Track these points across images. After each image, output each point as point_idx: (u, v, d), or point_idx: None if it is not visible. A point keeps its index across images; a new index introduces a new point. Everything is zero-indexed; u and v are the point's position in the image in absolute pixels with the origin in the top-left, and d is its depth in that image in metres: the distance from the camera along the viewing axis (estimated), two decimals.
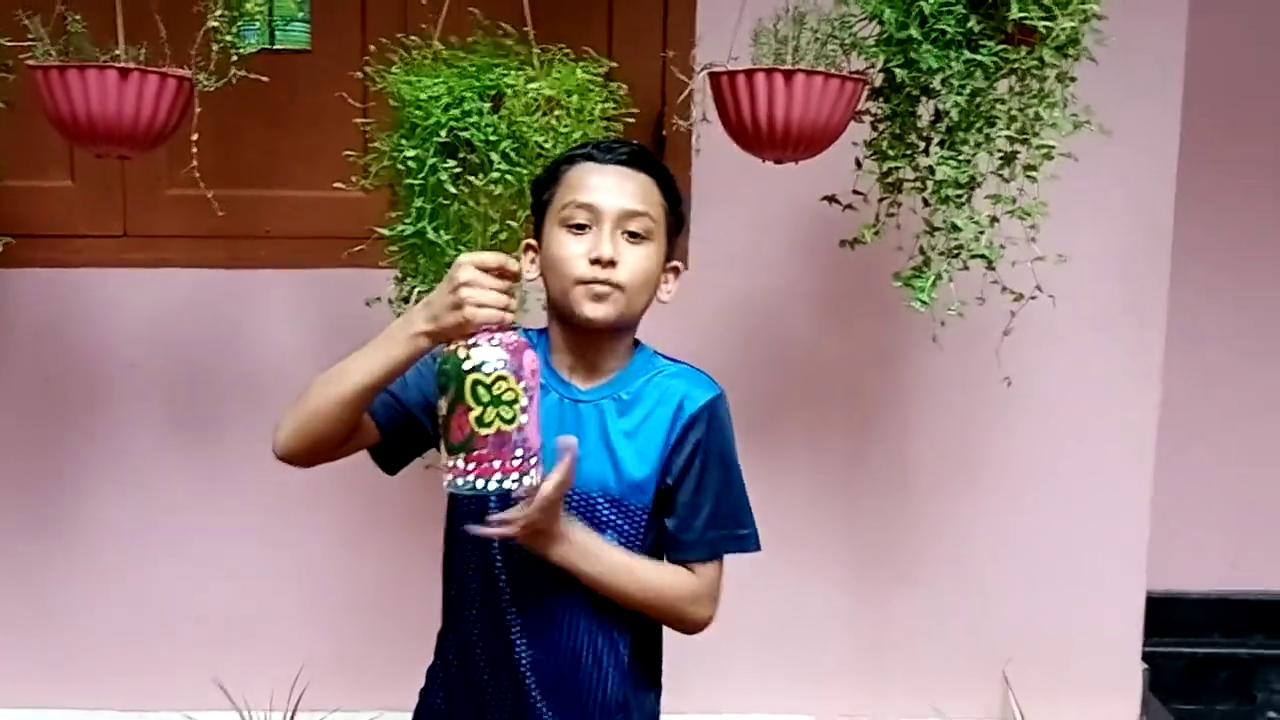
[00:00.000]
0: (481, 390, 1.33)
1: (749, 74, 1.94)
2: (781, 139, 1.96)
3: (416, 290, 1.98)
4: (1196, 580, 3.27)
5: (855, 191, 2.16)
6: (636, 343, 1.62)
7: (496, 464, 1.35)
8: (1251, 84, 3.22)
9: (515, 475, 1.36)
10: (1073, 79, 2.07)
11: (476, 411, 1.33)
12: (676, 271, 1.61)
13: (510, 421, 1.34)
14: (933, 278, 2.05)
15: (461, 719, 1.61)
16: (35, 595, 2.63)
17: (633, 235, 1.52)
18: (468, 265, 1.36)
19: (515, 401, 1.34)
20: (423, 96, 1.88)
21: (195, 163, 2.01)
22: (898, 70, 2.01)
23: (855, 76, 2.00)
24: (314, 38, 2.13)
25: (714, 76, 2.04)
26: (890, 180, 2.12)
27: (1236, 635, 3.31)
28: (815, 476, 2.71)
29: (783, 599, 2.72)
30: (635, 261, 1.52)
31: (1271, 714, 3.23)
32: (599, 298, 1.50)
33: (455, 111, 1.89)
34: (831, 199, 2.19)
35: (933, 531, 2.73)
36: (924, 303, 2.04)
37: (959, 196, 2.06)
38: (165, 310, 2.57)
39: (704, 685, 2.70)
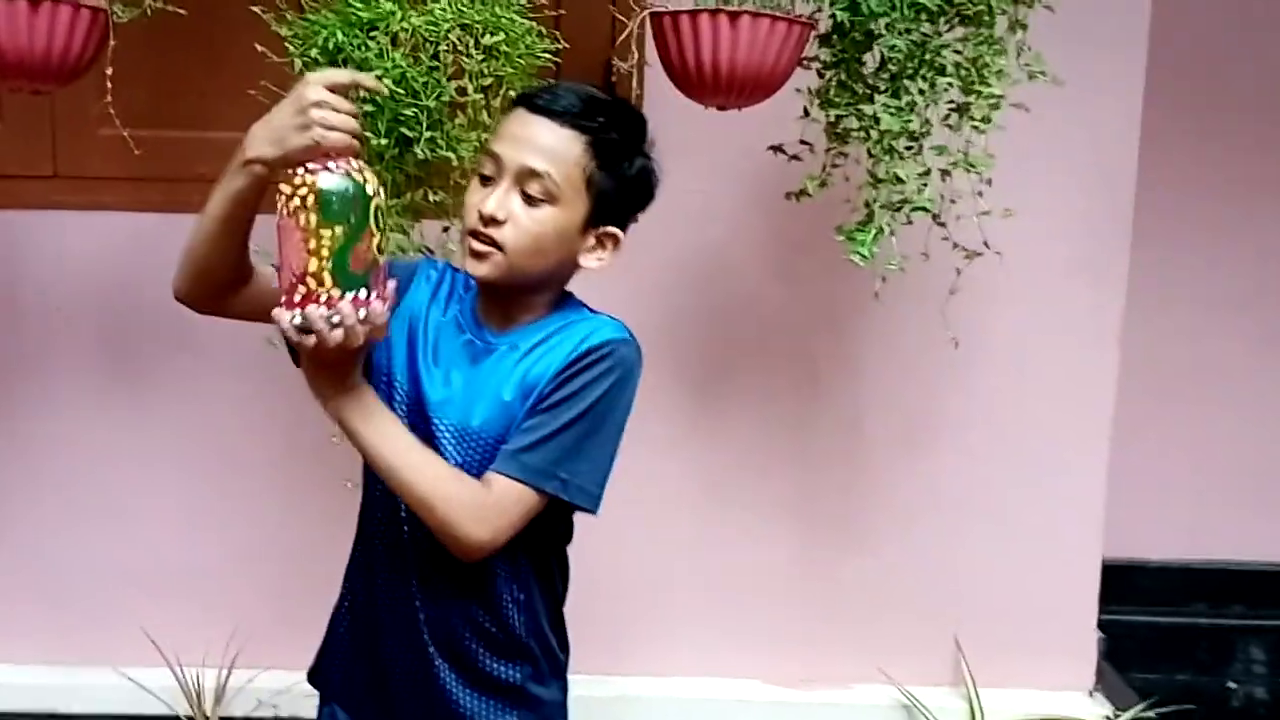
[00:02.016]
0: (381, 216, 1.29)
1: (693, 15, 1.87)
2: (726, 84, 1.90)
3: None
4: (1156, 548, 3.22)
5: (801, 141, 2.10)
6: (568, 295, 1.55)
7: (375, 293, 1.30)
8: (1219, 31, 3.14)
9: (387, 304, 1.32)
10: (1024, 26, 2.00)
11: (379, 238, 1.28)
12: (611, 240, 1.48)
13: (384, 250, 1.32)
14: (874, 231, 1.99)
15: (362, 670, 1.57)
16: None
17: (528, 197, 1.42)
18: (316, 84, 1.29)
19: (385, 228, 1.31)
20: (312, 52, 1.81)
21: (109, 99, 1.94)
22: (840, 14, 1.94)
23: (802, 20, 1.93)
24: None
25: (655, 18, 1.97)
26: (837, 130, 2.05)
27: (1196, 604, 3.27)
28: (762, 435, 2.65)
29: (729, 561, 2.68)
30: (526, 224, 1.42)
31: (1230, 684, 3.20)
32: (479, 255, 1.44)
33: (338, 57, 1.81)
34: (778, 149, 2.13)
35: (883, 493, 2.68)
36: (864, 256, 1.98)
37: (906, 148, 2.01)
38: (96, 254, 2.51)
39: (648, 648, 2.68)
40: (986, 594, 2.71)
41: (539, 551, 1.52)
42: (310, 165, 1.28)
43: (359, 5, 1.84)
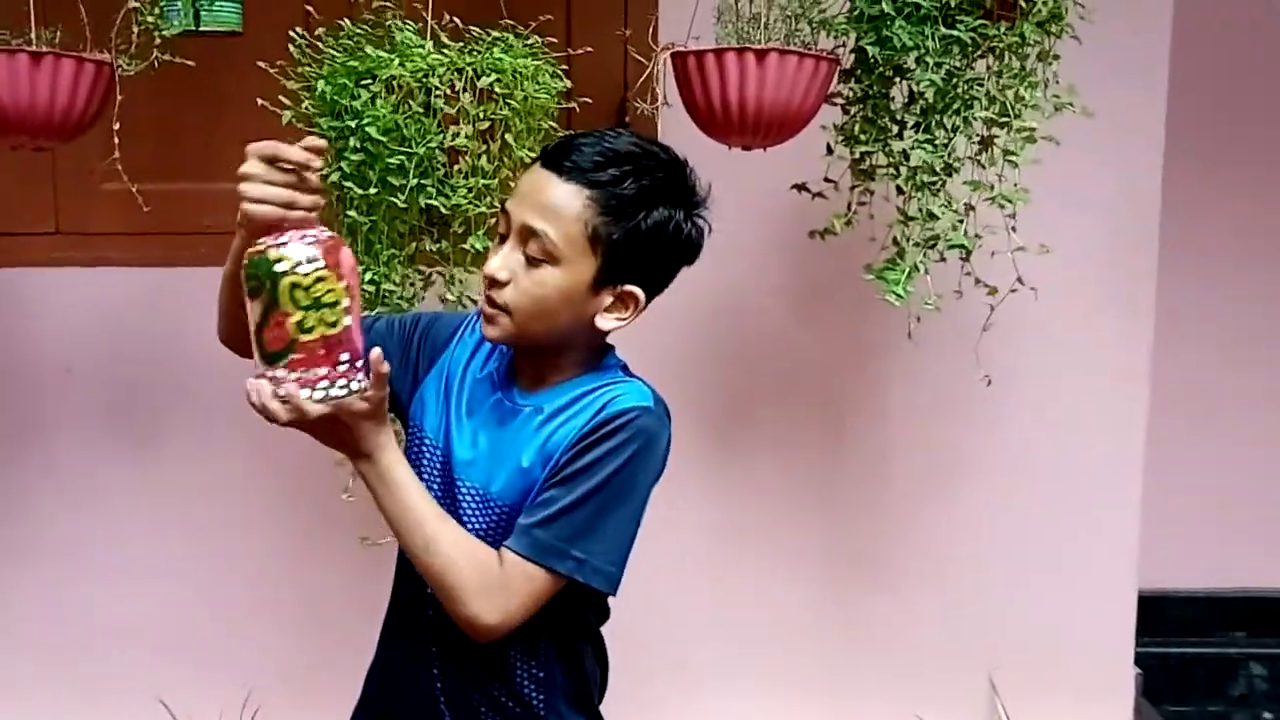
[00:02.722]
0: (300, 293, 1.21)
1: (718, 54, 1.83)
2: (752, 124, 1.85)
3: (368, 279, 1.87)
4: (1184, 578, 3.17)
5: (826, 179, 2.06)
6: (605, 354, 1.47)
7: (323, 370, 1.23)
8: (1242, 63, 3.11)
9: (343, 381, 1.24)
10: (1055, 57, 1.96)
11: (297, 317, 1.21)
12: (630, 300, 1.38)
13: (334, 325, 1.23)
14: (907, 269, 1.94)
15: None
16: None
17: (528, 257, 1.34)
18: (251, 155, 1.23)
19: (337, 304, 1.23)
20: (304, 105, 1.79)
21: (117, 154, 1.89)
22: (870, 48, 1.90)
23: (828, 56, 1.88)
24: (247, 18, 1.98)
25: (678, 57, 1.92)
26: (862, 167, 2.01)
27: (1226, 633, 3.21)
28: (789, 475, 2.59)
29: (755, 609, 2.61)
30: (526, 285, 1.35)
31: (1266, 714, 3.13)
32: (487, 318, 1.38)
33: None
34: (801, 187, 2.08)
35: (913, 532, 2.62)
36: (899, 296, 1.92)
37: (934, 183, 1.96)
38: (101, 311, 2.44)
39: (674, 690, 2.61)
40: (1021, 634, 2.65)
41: (564, 632, 1.45)
42: (265, 238, 1.23)
43: (345, 55, 1.81)
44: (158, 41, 1.84)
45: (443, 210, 1.82)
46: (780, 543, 2.60)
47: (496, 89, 1.80)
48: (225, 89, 2.29)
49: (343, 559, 2.42)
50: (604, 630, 1.52)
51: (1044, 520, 2.62)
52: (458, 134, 1.80)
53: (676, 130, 2.03)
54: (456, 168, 1.83)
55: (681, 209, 1.38)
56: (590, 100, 2.01)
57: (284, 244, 1.21)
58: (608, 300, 1.37)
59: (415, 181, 1.81)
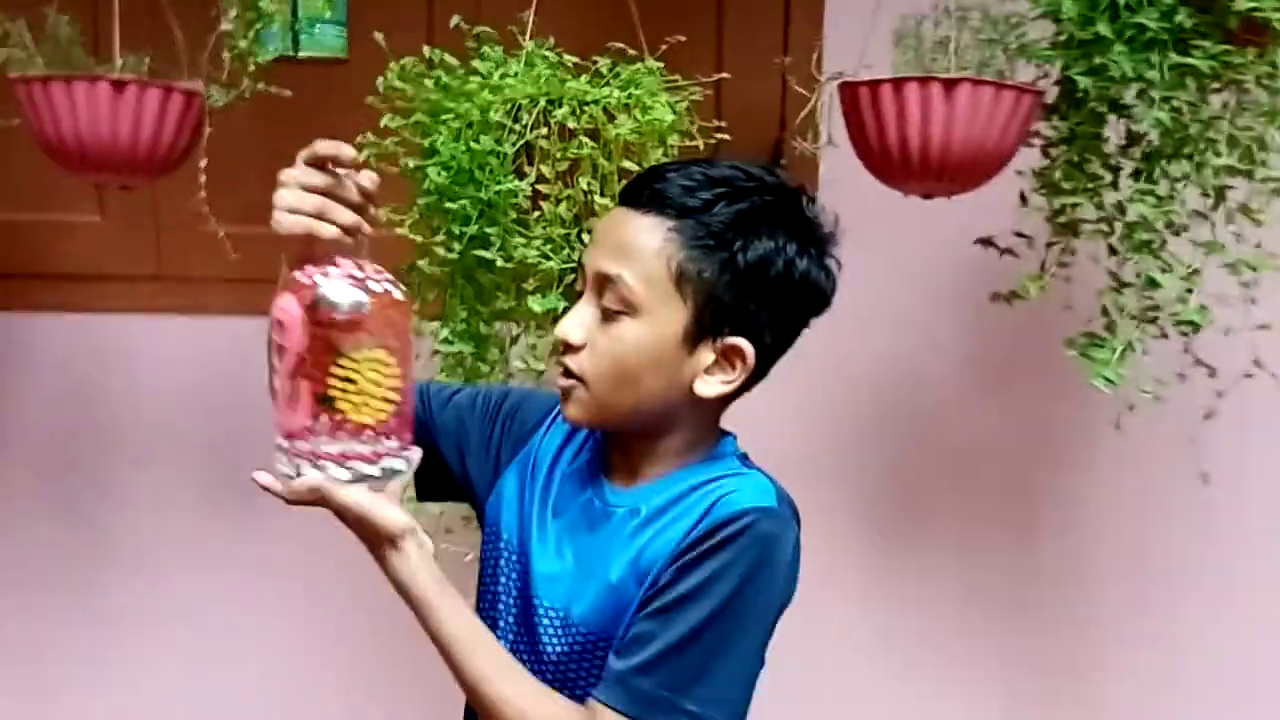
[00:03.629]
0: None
1: (897, 84, 1.54)
2: (937, 167, 1.56)
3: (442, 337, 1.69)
4: None
5: (1018, 234, 1.77)
6: (717, 441, 1.19)
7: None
8: None
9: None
10: None
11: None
12: (736, 356, 1.12)
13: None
14: (1120, 348, 1.62)
15: None
16: (44, 683, 2.31)
17: (604, 310, 1.12)
18: (300, 157, 1.07)
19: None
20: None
21: (204, 193, 1.70)
22: (1080, 79, 1.59)
23: (1030, 88, 1.58)
24: (354, 44, 1.77)
25: (848, 89, 1.64)
26: (1063, 220, 1.71)
27: None
28: (967, 580, 2.30)
29: None
30: (602, 346, 1.12)
31: None
32: (564, 393, 1.15)
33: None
34: (987, 242, 1.79)
35: (1115, 651, 2.31)
36: (1109, 381, 1.59)
37: (1155, 242, 1.63)
38: (202, 362, 2.25)
39: None
40: None
41: None
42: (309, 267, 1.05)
43: (432, 88, 1.62)
44: (251, 69, 1.64)
45: (501, 263, 1.60)
46: (953, 656, 2.31)
47: (571, 123, 1.57)
48: (331, 123, 2.08)
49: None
50: None
51: (1272, 644, 2.29)
52: (526, 175, 1.58)
53: (843, 175, 1.78)
54: (535, 215, 1.60)
55: (795, 242, 1.12)
56: (729, 137, 1.74)
57: (324, 277, 1.01)
58: (707, 358, 1.12)
59: (475, 229, 1.59)
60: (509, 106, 1.57)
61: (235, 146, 1.78)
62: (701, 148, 1.71)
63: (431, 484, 1.32)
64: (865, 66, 1.66)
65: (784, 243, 1.11)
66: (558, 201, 1.59)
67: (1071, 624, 2.29)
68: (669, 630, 1.06)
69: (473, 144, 1.56)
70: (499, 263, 1.60)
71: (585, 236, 1.59)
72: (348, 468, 1.04)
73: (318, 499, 1.06)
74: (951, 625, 2.31)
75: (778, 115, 2.10)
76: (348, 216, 1.05)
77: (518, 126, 1.57)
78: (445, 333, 1.73)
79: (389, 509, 1.07)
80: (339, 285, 1.01)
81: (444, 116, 1.60)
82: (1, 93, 1.70)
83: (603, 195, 1.59)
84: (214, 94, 1.67)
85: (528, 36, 1.67)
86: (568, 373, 1.13)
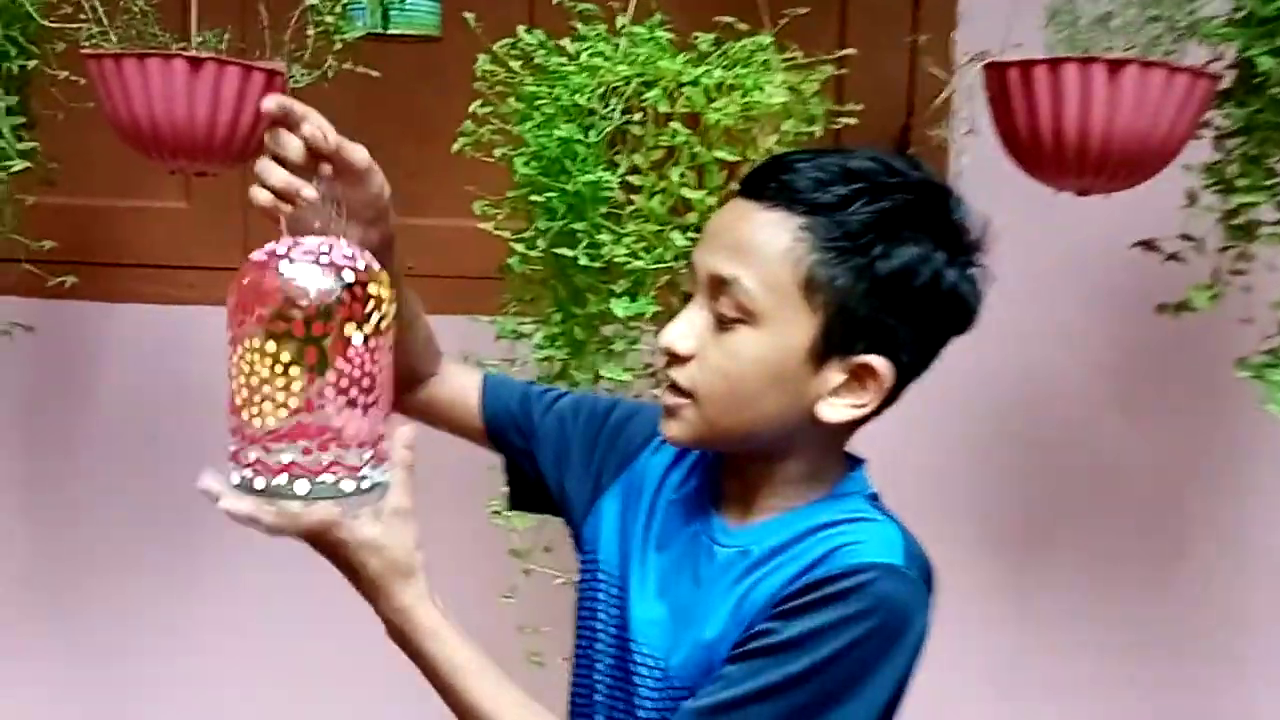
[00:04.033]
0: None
1: (1054, 65, 1.38)
2: (1097, 159, 1.40)
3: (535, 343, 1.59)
4: None
5: (1184, 236, 1.61)
6: (846, 475, 1.04)
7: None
8: None
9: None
10: None
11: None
12: (869, 376, 0.97)
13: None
14: None
15: None
16: (142, 692, 2.21)
17: (719, 318, 0.97)
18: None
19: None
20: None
21: None
22: (1262, 60, 1.43)
23: (1206, 72, 1.41)
24: (450, 20, 1.65)
25: (996, 70, 1.48)
26: (1239, 222, 1.55)
27: None
28: (1107, 617, 2.12)
29: None
30: (714, 359, 0.97)
31: None
32: (667, 410, 1.01)
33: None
34: (1149, 245, 1.63)
35: (1266, 704, 2.11)
36: None
37: None
38: None
39: None
40: None
41: None
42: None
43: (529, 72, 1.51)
44: (337, 47, 1.52)
45: (585, 262, 1.47)
46: (1095, 707, 2.11)
47: (663, 107, 1.43)
48: (422, 106, 1.98)
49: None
50: None
51: None
52: (614, 166, 1.45)
53: (976, 165, 1.61)
54: (629, 209, 1.47)
55: (943, 249, 0.97)
56: (854, 120, 1.57)
57: (291, 262, 0.88)
58: (836, 378, 0.97)
59: (560, 225, 1.47)
60: (600, 90, 1.45)
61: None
62: (819, 134, 1.55)
63: (526, 493, 1.23)
64: (1012, 46, 1.49)
65: (930, 249, 0.96)
66: (651, 194, 1.45)
67: (1226, 668, 2.11)
68: (754, 678, 0.92)
69: (557, 131, 1.45)
70: (581, 260, 1.47)
71: (678, 235, 1.46)
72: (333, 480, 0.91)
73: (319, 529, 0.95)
74: (1085, 669, 2.14)
75: (904, 99, 1.93)
76: (277, 176, 0.94)
77: (605, 110, 1.45)
78: (539, 338, 1.60)
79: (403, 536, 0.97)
80: (314, 270, 0.88)
81: (537, 102, 1.48)
82: (79, 71, 1.62)
83: (699, 187, 1.45)
84: (296, 74, 1.56)
85: (629, 12, 1.53)
86: (674, 387, 1.00)
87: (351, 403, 0.90)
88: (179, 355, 2.18)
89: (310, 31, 1.52)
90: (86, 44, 1.54)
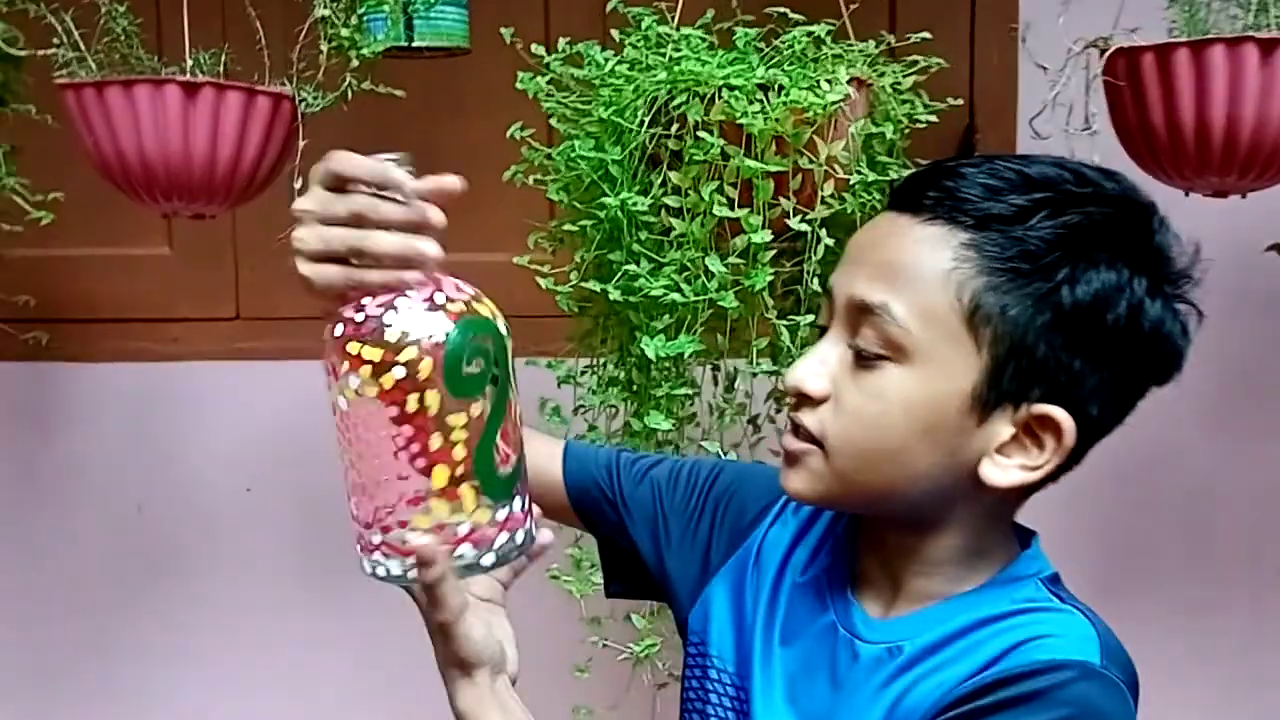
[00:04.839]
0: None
1: (1195, 48, 1.20)
2: (1244, 155, 1.23)
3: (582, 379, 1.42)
4: None
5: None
6: (1023, 538, 0.87)
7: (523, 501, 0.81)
8: None
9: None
10: None
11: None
12: (1049, 430, 0.79)
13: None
14: None
15: None
16: None
17: (860, 355, 0.80)
18: (313, 180, 0.76)
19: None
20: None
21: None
22: None
23: None
24: (478, 32, 1.45)
25: (1122, 56, 1.31)
26: None
27: None
28: (1203, 658, 1.94)
29: None
30: (853, 403, 0.80)
31: None
32: (790, 457, 0.84)
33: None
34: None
35: None
36: None
37: None
38: (288, 416, 1.95)
39: None
40: None
41: None
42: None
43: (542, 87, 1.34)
44: (354, 64, 1.32)
45: (615, 296, 1.29)
46: None
47: (691, 115, 1.24)
48: (451, 131, 1.78)
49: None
50: None
51: None
52: (651, 184, 1.27)
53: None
54: (675, 233, 1.28)
55: (1144, 275, 0.79)
56: (934, 119, 1.40)
57: (393, 310, 0.73)
58: (1004, 432, 0.80)
59: (593, 255, 1.32)
60: (625, 105, 1.27)
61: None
62: (890, 135, 1.36)
63: (624, 575, 1.07)
64: (1126, 31, 1.31)
65: (1129, 277, 0.78)
66: (691, 217, 1.26)
67: None
68: None
69: (592, 151, 1.28)
70: (612, 295, 1.29)
71: (713, 263, 1.27)
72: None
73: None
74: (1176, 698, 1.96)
75: (967, 91, 1.76)
76: (392, 244, 0.74)
77: (634, 123, 1.26)
78: (593, 382, 1.41)
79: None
80: (425, 314, 0.74)
81: (583, 121, 1.31)
82: (50, 102, 1.41)
83: (739, 207, 1.25)
84: (307, 97, 1.36)
85: (678, 15, 1.35)
86: (801, 432, 0.82)
87: None
88: (168, 416, 2.00)
89: (323, 47, 1.31)
90: (61, 74, 1.33)
